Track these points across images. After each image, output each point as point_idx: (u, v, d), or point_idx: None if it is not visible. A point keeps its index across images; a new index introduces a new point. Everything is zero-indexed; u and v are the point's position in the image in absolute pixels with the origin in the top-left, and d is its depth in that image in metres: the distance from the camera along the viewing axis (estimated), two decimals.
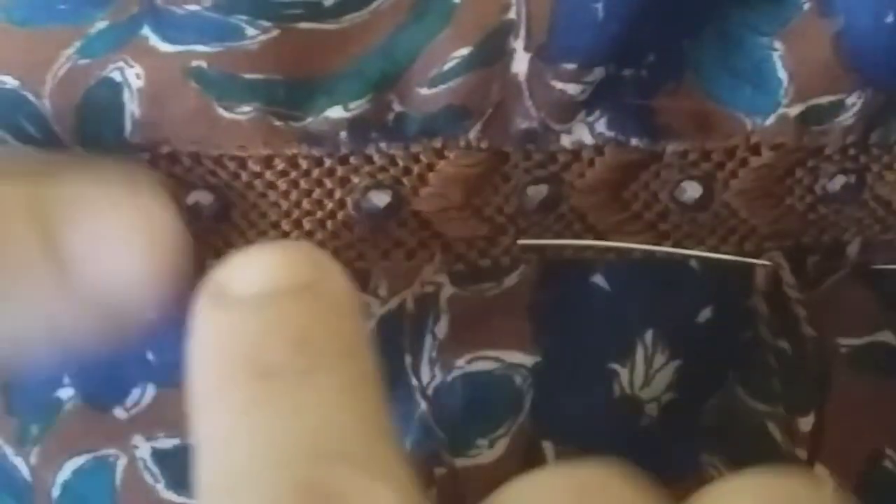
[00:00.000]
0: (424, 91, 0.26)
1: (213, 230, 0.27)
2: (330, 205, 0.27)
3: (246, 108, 0.26)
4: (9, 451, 0.28)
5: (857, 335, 0.30)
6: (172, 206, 0.25)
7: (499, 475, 0.27)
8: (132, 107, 0.26)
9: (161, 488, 0.27)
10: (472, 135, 0.27)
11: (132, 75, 0.26)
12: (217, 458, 0.21)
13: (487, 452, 0.28)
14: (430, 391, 0.27)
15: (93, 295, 0.25)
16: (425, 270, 0.27)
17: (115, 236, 0.25)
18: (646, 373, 0.28)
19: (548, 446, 0.28)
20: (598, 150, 0.27)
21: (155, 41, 0.26)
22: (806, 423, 0.29)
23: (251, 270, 0.23)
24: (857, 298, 0.30)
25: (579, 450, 0.28)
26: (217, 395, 0.22)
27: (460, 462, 0.27)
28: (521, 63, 0.26)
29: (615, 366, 0.28)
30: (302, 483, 0.20)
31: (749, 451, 0.29)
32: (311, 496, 0.20)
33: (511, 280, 0.27)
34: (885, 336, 0.30)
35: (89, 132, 0.26)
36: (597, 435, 0.28)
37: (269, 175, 0.27)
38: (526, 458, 0.28)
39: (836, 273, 0.29)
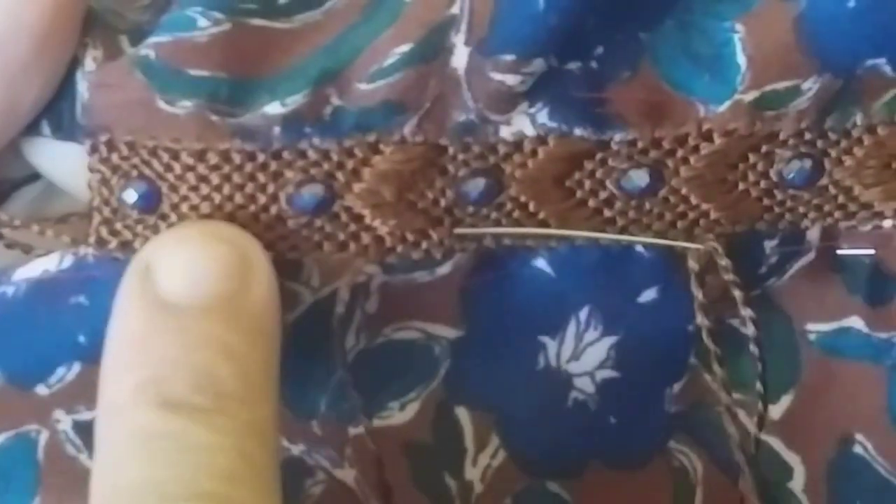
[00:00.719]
0: (363, 86, 0.26)
1: (141, 221, 0.27)
2: (262, 199, 0.27)
3: (187, 104, 0.26)
4: None
5: (825, 320, 0.30)
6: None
7: (409, 436, 0.28)
8: (82, 90, 0.27)
9: (84, 458, 0.28)
10: (408, 129, 0.26)
11: (89, 57, 0.27)
12: (107, 478, 0.22)
13: (398, 415, 0.28)
14: (352, 356, 0.27)
15: None
16: (357, 262, 0.27)
17: None
18: (575, 346, 0.28)
19: (462, 412, 0.28)
20: (542, 140, 0.27)
21: (124, 44, 0.27)
22: (776, 410, 0.30)
23: (180, 264, 0.24)
24: (824, 284, 0.30)
25: (496, 417, 0.28)
26: (118, 411, 0.23)
27: (373, 422, 0.28)
28: (460, 58, 0.26)
29: (545, 338, 0.28)
30: None
31: (718, 439, 0.29)
32: None
33: (444, 269, 0.27)
34: (853, 321, 0.30)
35: (54, 109, 0.27)
36: (516, 404, 0.28)
37: (201, 168, 0.26)
38: (436, 422, 0.28)
39: (799, 259, 0.29)
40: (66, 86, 0.27)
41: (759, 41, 0.26)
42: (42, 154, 0.28)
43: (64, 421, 0.28)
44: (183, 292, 0.24)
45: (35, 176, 0.30)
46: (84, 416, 0.27)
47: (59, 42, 0.27)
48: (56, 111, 0.27)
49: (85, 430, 0.27)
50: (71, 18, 0.27)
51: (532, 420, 0.28)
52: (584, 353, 0.28)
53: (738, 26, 0.26)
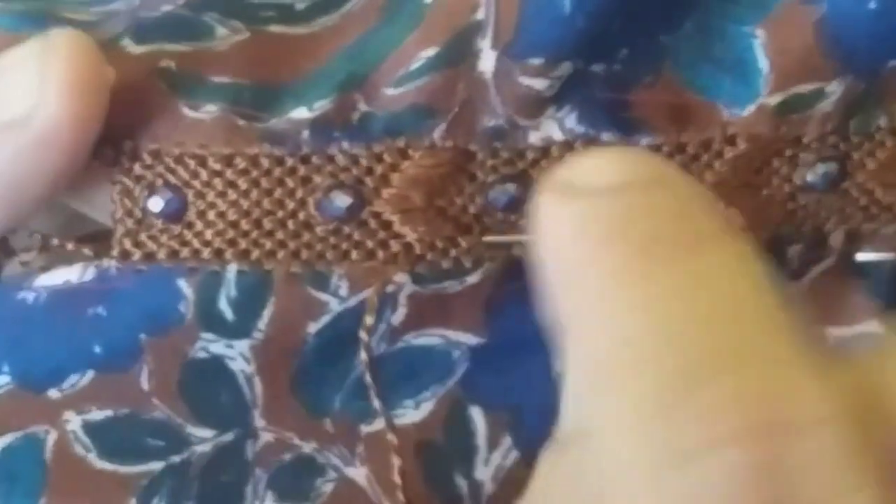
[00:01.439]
0: (390, 91, 0.26)
1: (166, 230, 0.27)
2: (291, 205, 0.26)
3: (211, 108, 0.26)
4: None
5: (844, 325, 0.30)
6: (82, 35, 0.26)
7: (422, 435, 0.27)
8: None
9: (93, 458, 0.27)
10: (437, 134, 0.26)
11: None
12: (603, 333, 0.20)
13: (412, 413, 0.28)
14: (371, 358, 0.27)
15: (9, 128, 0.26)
16: (388, 271, 0.27)
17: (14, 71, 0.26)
18: None
19: (476, 411, 0.28)
20: (568, 145, 0.27)
21: (131, 46, 0.26)
22: None
23: (597, 165, 0.22)
24: (844, 288, 0.29)
25: (510, 417, 0.28)
26: (587, 273, 0.20)
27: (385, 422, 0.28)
28: (487, 61, 0.26)
29: None
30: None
31: None
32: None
33: (474, 278, 0.27)
34: (873, 326, 0.30)
35: None
36: (530, 405, 0.28)
37: (229, 174, 0.26)
38: (448, 421, 0.28)
39: (820, 263, 0.29)
40: None
41: (780, 45, 0.26)
42: None
43: (73, 421, 0.27)
44: (610, 182, 0.21)
45: None
46: (94, 415, 0.27)
47: (73, 175, 0.26)
48: None
49: (95, 430, 0.27)
50: (86, 153, 0.26)
51: (546, 421, 0.28)
52: None
53: (759, 31, 0.26)
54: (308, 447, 0.28)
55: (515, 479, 0.28)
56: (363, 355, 0.27)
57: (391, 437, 0.27)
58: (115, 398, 0.27)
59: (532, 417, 0.28)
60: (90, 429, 0.27)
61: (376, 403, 0.27)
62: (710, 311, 0.20)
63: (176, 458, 0.27)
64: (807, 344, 0.20)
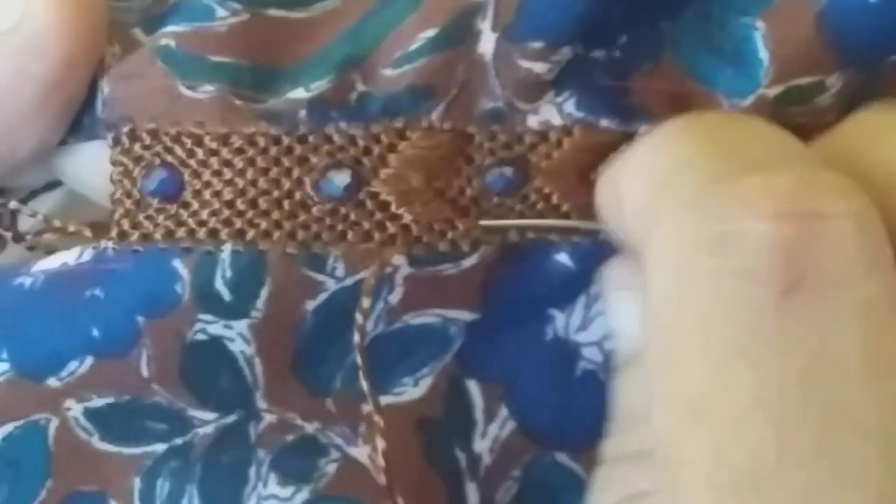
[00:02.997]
0: (389, 72, 0.26)
1: (162, 210, 0.27)
2: (287, 184, 0.26)
3: (209, 88, 0.26)
4: None
5: None
6: None
7: (422, 412, 0.27)
8: (103, 85, 0.27)
9: (95, 440, 0.27)
10: (435, 116, 0.26)
11: (108, 54, 0.27)
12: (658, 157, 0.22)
13: (412, 390, 0.27)
14: (369, 339, 0.27)
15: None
16: (385, 253, 0.26)
17: None
18: (583, 317, 0.27)
19: (472, 384, 0.28)
20: (567, 130, 0.26)
21: (139, 35, 0.27)
22: None
23: None
24: None
25: (505, 388, 0.28)
26: None
27: (387, 399, 0.27)
28: (487, 43, 0.26)
29: (553, 311, 0.28)
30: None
31: None
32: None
33: (470, 261, 0.27)
34: None
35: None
36: (524, 374, 0.28)
37: (225, 153, 0.26)
38: (447, 397, 0.28)
39: None
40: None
41: (780, 37, 0.26)
42: (64, 159, 0.28)
43: (75, 409, 0.27)
44: None
45: (53, 184, 0.30)
46: (95, 403, 0.27)
47: (65, 94, 0.27)
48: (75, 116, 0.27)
49: (96, 416, 0.27)
50: (80, 72, 0.27)
51: (540, 390, 0.27)
52: (591, 324, 0.27)
53: (759, 23, 0.26)
54: (311, 427, 0.27)
55: (512, 450, 0.28)
56: (356, 337, 0.26)
57: (377, 419, 0.27)
58: (115, 386, 0.27)
59: (526, 387, 0.28)
60: (91, 414, 0.27)
61: (364, 385, 0.27)
62: (739, 128, 0.23)
63: (178, 441, 0.27)
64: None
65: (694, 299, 0.20)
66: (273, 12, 0.27)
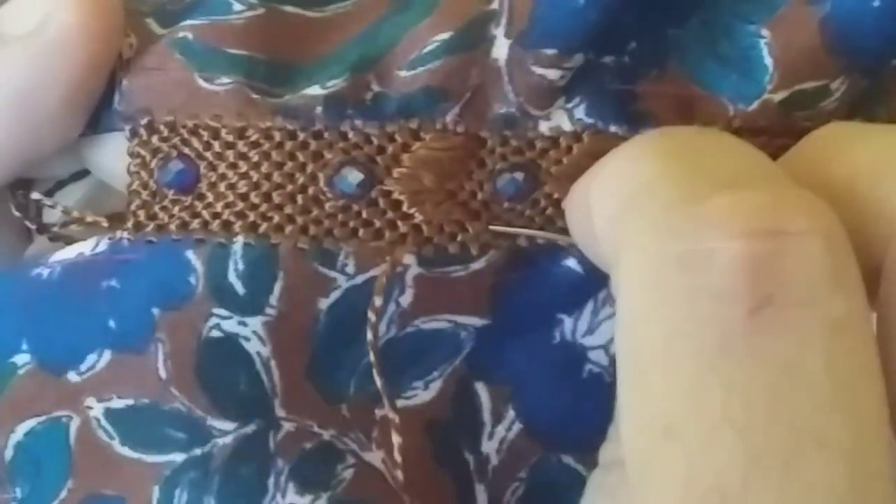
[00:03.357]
0: (403, 73, 0.27)
1: (178, 202, 0.27)
2: (301, 179, 0.27)
3: (225, 80, 0.27)
4: None
5: None
6: None
7: (431, 414, 0.27)
8: (121, 76, 0.27)
9: (116, 444, 0.27)
10: (450, 118, 0.27)
11: (126, 45, 0.27)
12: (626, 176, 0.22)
13: (422, 394, 0.28)
14: (380, 343, 0.27)
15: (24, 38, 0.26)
16: (397, 252, 0.27)
17: None
18: (591, 322, 0.28)
19: (480, 387, 0.28)
20: (577, 136, 0.27)
21: (154, 26, 0.28)
22: None
23: None
24: None
25: (512, 390, 0.28)
26: None
27: (398, 403, 0.27)
28: (501, 49, 0.26)
29: (562, 315, 0.28)
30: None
31: None
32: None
33: (479, 265, 0.27)
34: None
35: None
36: (531, 376, 0.28)
37: (241, 146, 0.27)
38: (456, 399, 0.28)
39: None
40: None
41: (785, 43, 0.27)
42: (89, 149, 0.29)
43: (96, 408, 0.27)
44: None
45: (80, 174, 0.30)
46: (115, 403, 0.27)
47: (88, 94, 0.27)
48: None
49: (117, 418, 0.27)
50: (102, 71, 0.27)
51: (547, 392, 0.28)
52: (599, 328, 0.28)
53: (764, 31, 0.27)
54: (327, 434, 0.27)
55: (519, 451, 0.28)
56: (369, 335, 0.27)
57: (392, 416, 0.27)
58: (135, 386, 0.27)
59: (533, 389, 0.28)
60: (112, 416, 0.27)
61: (378, 382, 0.27)
62: (707, 145, 0.23)
63: (198, 451, 0.27)
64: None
65: (663, 317, 0.20)
66: (289, 9, 0.27)
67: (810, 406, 0.19)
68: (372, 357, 0.27)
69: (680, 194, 0.21)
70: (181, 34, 0.27)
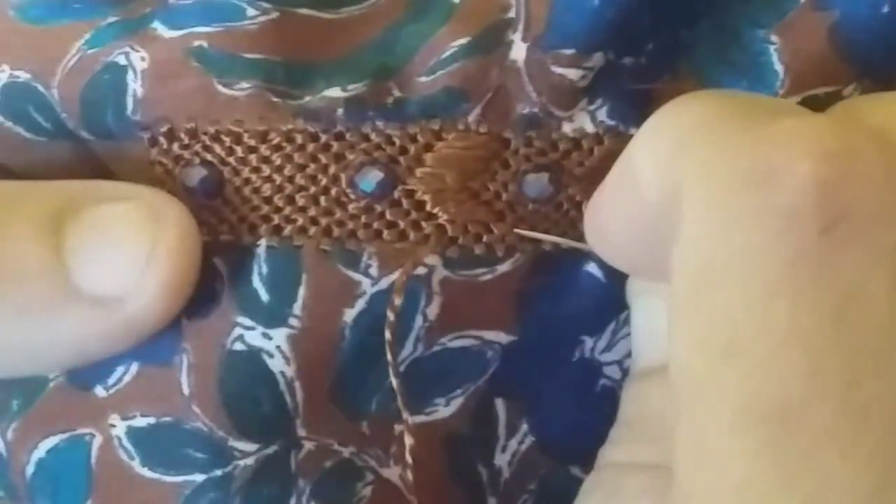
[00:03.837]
0: (423, 79, 0.27)
1: (205, 207, 0.27)
2: (324, 180, 0.26)
3: (245, 85, 0.26)
4: None
5: None
6: (192, 222, 0.26)
7: (450, 429, 0.27)
8: (135, 86, 0.27)
9: (136, 465, 0.27)
10: (472, 118, 0.26)
11: (137, 58, 0.27)
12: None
13: (443, 410, 0.27)
14: (407, 362, 0.27)
15: (100, 305, 0.25)
16: (419, 251, 0.26)
17: (121, 249, 0.26)
18: (610, 340, 0.28)
19: (499, 403, 0.28)
20: (598, 139, 0.27)
21: (162, 30, 0.27)
22: None
23: None
24: None
25: (527, 404, 0.28)
26: None
27: (418, 418, 0.27)
28: (519, 51, 0.26)
29: (584, 337, 0.28)
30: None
31: None
32: None
33: (505, 267, 0.27)
34: None
35: (92, 114, 0.27)
36: (546, 390, 0.28)
37: (263, 149, 0.27)
38: (475, 415, 0.28)
39: None
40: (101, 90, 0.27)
41: (794, 50, 0.27)
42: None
43: (119, 426, 0.27)
44: None
45: None
46: (138, 422, 0.27)
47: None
48: (96, 121, 0.27)
49: (138, 437, 0.27)
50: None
51: (561, 406, 0.28)
52: (617, 345, 0.28)
53: (774, 37, 0.27)
54: (347, 451, 0.27)
55: (530, 463, 0.28)
56: (387, 334, 0.26)
57: (409, 440, 0.27)
58: (158, 402, 0.27)
59: (547, 403, 0.28)
60: (134, 436, 0.27)
61: (399, 400, 0.27)
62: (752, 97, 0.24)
63: (218, 472, 0.26)
64: None
65: (731, 235, 0.20)
66: (303, 11, 0.27)
67: (870, 332, 0.19)
68: (389, 356, 0.26)
69: (743, 123, 0.21)
70: (196, 43, 0.27)
